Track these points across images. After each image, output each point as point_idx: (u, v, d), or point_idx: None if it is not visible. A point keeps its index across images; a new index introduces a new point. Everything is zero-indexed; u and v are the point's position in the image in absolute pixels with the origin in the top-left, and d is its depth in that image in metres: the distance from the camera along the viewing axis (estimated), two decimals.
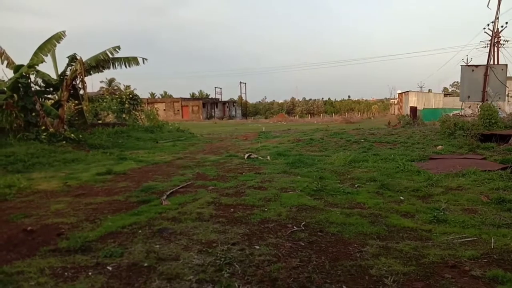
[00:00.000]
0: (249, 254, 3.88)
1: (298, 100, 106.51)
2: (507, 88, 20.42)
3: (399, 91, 67.46)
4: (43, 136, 12.74)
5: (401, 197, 6.41)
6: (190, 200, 6.13)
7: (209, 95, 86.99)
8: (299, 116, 74.41)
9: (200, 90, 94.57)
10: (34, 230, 4.70)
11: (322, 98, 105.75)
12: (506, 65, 20.82)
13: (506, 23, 38.61)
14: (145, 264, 3.62)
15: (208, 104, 73.07)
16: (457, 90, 76.38)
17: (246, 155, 11.56)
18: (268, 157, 11.33)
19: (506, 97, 21.38)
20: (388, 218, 5.20)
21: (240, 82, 78.56)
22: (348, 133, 18.75)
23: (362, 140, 15.40)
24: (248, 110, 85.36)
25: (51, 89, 16.11)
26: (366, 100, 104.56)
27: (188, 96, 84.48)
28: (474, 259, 3.77)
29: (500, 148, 11.60)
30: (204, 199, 6.20)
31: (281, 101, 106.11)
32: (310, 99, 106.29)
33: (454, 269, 3.56)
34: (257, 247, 4.10)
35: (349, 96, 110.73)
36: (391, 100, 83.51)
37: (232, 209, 5.63)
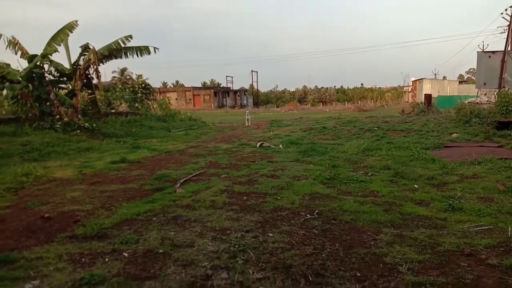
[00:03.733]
0: (262, 241, 3.90)
1: (310, 88, 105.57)
2: None
3: (413, 79, 66.45)
4: (57, 125, 12.91)
5: (416, 185, 6.35)
6: (204, 188, 6.17)
7: (220, 84, 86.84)
8: (311, 105, 73.90)
9: (212, 79, 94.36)
10: (51, 217, 4.79)
11: (334, 86, 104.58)
12: None
13: None
14: (160, 251, 3.66)
15: (219, 93, 72.99)
16: (472, 77, 74.84)
17: (258, 144, 11.55)
18: (281, 146, 11.31)
19: None
20: (403, 206, 5.16)
21: (252, 71, 78.23)
22: (361, 121, 18.57)
23: (376, 128, 15.23)
24: (260, 99, 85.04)
25: (65, 78, 16.24)
26: (379, 88, 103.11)
27: (200, 85, 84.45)
28: (490, 248, 3.72)
29: None
30: (217, 187, 6.23)
31: (292, 90, 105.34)
32: (322, 87, 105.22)
33: (470, 257, 3.52)
34: (271, 234, 4.12)
35: (361, 84, 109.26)
36: (405, 88, 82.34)
37: (245, 197, 5.64)
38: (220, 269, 3.27)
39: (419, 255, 3.55)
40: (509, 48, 23.10)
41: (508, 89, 17.27)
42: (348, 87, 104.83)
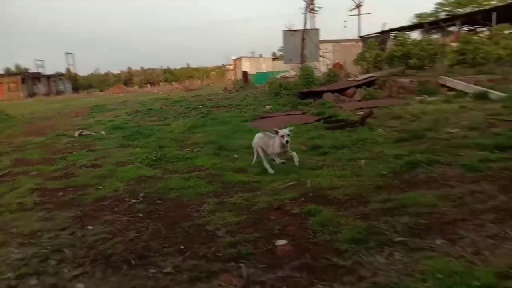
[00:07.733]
0: (80, 236, 3.64)
1: (136, 70, 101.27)
2: (320, 50, 23.40)
3: (234, 57, 70.57)
4: None
5: (236, 155, 6.84)
6: (7, 190, 5.32)
7: (29, 69, 75.20)
8: (138, 87, 71.10)
9: (17, 64, 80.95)
10: None
11: (161, 67, 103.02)
12: (318, 29, 23.74)
13: None
14: None
15: (28, 79, 63.20)
16: (283, 54, 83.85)
17: (77, 133, 10.55)
18: (103, 132, 10.59)
19: (321, 58, 24.47)
20: (224, 176, 5.49)
21: (66, 53, 70.07)
22: (187, 101, 18.90)
23: (201, 106, 15.73)
24: (80, 84, 77.28)
25: None
26: (205, 67, 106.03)
27: (2, 72, 71.44)
28: (294, 200, 4.32)
29: (316, 103, 13.39)
30: (25, 187, 5.44)
31: (117, 72, 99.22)
32: (149, 68, 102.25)
33: (278, 211, 4.03)
34: (91, 227, 3.86)
35: (188, 64, 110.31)
36: (228, 66, 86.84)
37: (61, 193, 5.12)
38: (28, 276, 2.91)
39: (237, 217, 3.87)
40: (309, 27, 26.57)
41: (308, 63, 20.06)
42: (175, 67, 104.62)
